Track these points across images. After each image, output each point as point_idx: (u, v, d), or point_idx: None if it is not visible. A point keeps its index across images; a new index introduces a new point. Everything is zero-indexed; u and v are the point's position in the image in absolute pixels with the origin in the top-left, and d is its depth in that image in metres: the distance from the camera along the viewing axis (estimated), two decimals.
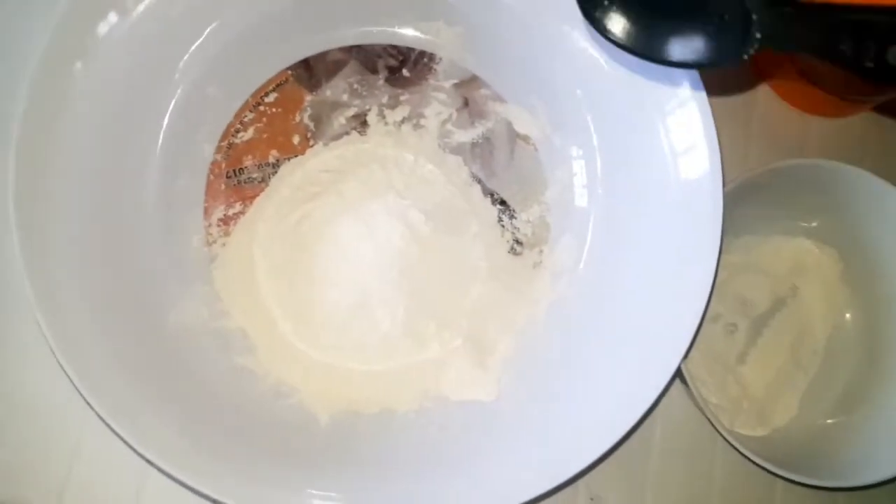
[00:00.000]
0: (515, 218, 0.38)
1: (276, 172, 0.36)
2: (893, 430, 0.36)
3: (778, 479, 0.36)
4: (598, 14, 0.30)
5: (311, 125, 0.37)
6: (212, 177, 0.36)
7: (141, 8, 0.33)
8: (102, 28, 0.32)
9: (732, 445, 0.34)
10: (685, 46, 0.29)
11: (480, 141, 0.38)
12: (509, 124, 0.38)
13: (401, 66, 0.38)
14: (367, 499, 0.31)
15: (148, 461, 0.29)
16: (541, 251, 0.37)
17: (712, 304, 0.34)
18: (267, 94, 0.37)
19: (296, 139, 0.37)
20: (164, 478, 0.30)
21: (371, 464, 0.33)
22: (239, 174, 0.36)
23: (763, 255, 0.40)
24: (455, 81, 0.38)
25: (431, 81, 0.38)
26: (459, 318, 0.36)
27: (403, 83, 0.38)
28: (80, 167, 0.32)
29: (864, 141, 0.42)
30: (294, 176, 0.36)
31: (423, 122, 0.38)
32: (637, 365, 0.33)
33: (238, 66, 0.36)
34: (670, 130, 0.34)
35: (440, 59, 0.38)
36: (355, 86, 0.38)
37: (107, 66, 0.32)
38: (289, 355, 0.34)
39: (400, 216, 0.36)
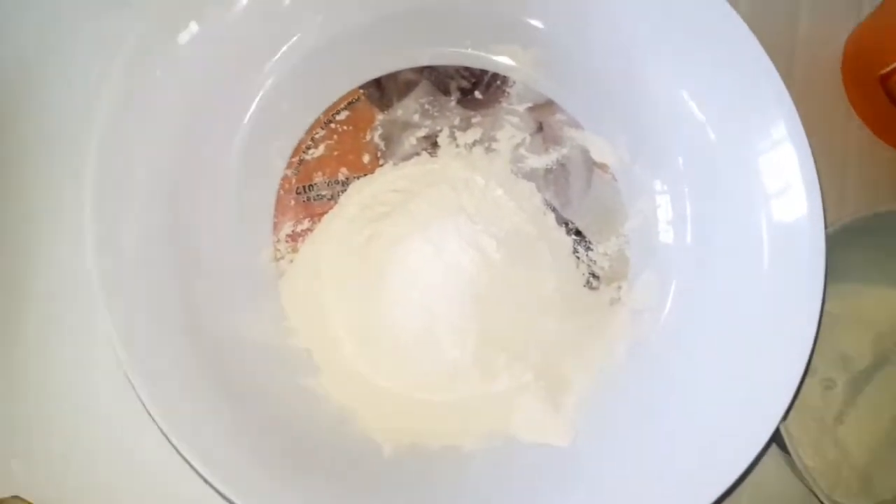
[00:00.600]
0: (592, 250, 0.36)
1: (345, 190, 0.35)
2: None
3: None
4: None
5: (382, 144, 0.36)
6: (282, 192, 0.35)
7: (221, 19, 0.33)
8: (184, 37, 0.32)
9: None
10: None
11: (555, 167, 0.37)
12: (586, 151, 0.37)
13: (473, 88, 0.37)
14: None
15: (202, 476, 0.28)
16: (619, 287, 0.35)
17: None
18: (338, 112, 0.36)
19: (366, 158, 0.36)
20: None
21: (432, 502, 0.31)
22: (308, 190, 0.35)
23: (865, 306, 0.37)
24: (529, 105, 0.37)
25: (504, 104, 0.37)
26: (531, 351, 0.34)
27: (475, 105, 0.37)
28: (156, 179, 0.31)
29: None
30: (363, 194, 0.35)
31: (494, 145, 0.37)
32: (731, 422, 0.30)
33: (311, 83, 0.35)
34: (764, 171, 0.33)
35: (514, 82, 0.37)
36: (427, 106, 0.37)
37: (185, 75, 0.32)
38: (352, 379, 0.33)
39: (471, 240, 0.34)
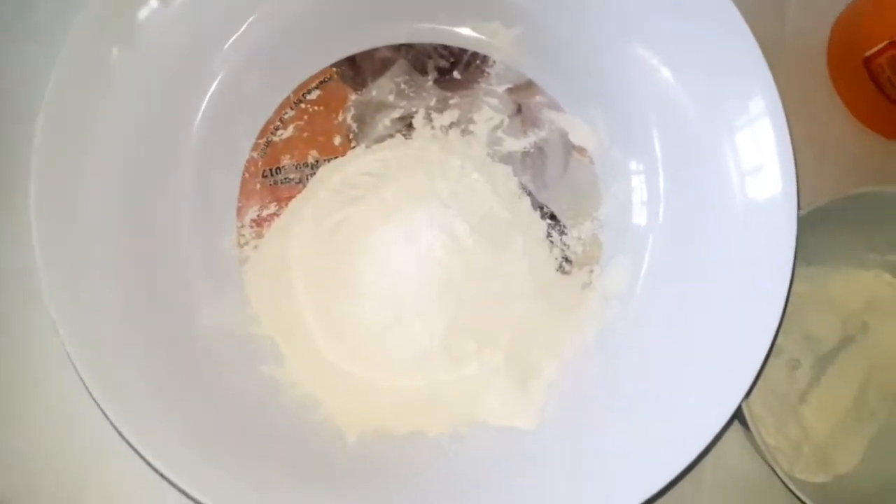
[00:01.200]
0: (566, 234, 0.35)
1: (314, 174, 0.35)
2: None
3: None
4: None
5: (354, 126, 0.35)
6: (247, 175, 0.34)
7: None
8: (142, 13, 0.31)
9: (793, 493, 0.31)
10: None
11: (532, 150, 0.36)
12: (564, 134, 0.36)
13: (452, 68, 0.36)
14: None
15: (160, 474, 0.27)
16: (591, 271, 0.35)
17: None
18: (309, 92, 0.35)
19: (337, 140, 0.35)
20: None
21: (398, 489, 0.31)
22: (276, 173, 0.34)
23: (833, 288, 0.37)
24: (509, 86, 0.36)
25: (483, 85, 0.36)
26: (501, 336, 0.34)
27: (453, 86, 0.36)
28: (111, 158, 0.31)
29: None
30: (333, 178, 0.35)
31: (472, 127, 0.36)
32: (694, 401, 0.30)
33: (280, 60, 0.34)
34: (740, 146, 0.32)
35: (494, 61, 0.36)
36: (402, 86, 0.36)
37: (144, 53, 0.31)
38: (318, 366, 0.33)
39: (443, 226, 0.34)
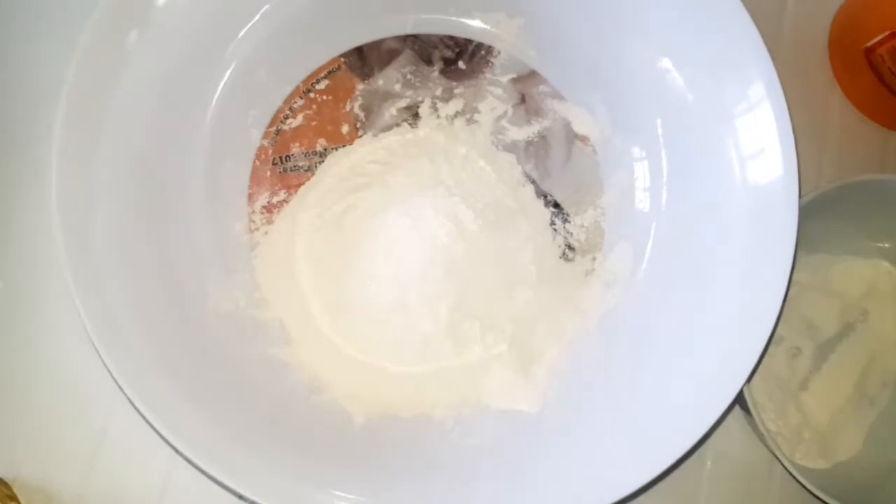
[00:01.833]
0: (569, 222, 0.36)
1: (322, 161, 0.35)
2: None
3: None
4: None
5: (362, 115, 0.36)
6: (258, 163, 0.35)
7: None
8: (160, 0, 0.31)
9: (795, 478, 0.32)
10: None
11: (536, 139, 0.36)
12: (567, 123, 0.36)
13: (457, 58, 0.37)
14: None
15: (173, 447, 0.28)
16: (594, 258, 0.35)
17: None
18: (318, 81, 0.36)
19: (345, 128, 0.36)
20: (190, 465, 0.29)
21: (403, 469, 0.32)
22: (285, 161, 0.35)
23: (833, 276, 0.37)
24: (513, 76, 0.37)
25: (488, 75, 0.37)
26: (505, 322, 0.34)
27: (458, 76, 0.36)
28: (127, 143, 0.31)
29: None
30: (340, 166, 0.35)
31: (476, 116, 0.36)
32: (696, 387, 0.31)
33: (290, 50, 0.35)
34: (741, 133, 0.32)
35: (498, 52, 0.37)
36: (409, 76, 0.36)
37: (161, 38, 0.32)
38: (325, 350, 0.33)
39: (448, 212, 0.34)
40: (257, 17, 0.34)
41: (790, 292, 0.36)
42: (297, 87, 0.35)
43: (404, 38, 0.36)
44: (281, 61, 0.35)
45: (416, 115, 0.36)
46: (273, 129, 0.35)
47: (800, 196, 0.31)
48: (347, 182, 0.35)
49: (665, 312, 0.33)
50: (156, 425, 0.28)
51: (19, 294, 0.35)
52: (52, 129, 0.29)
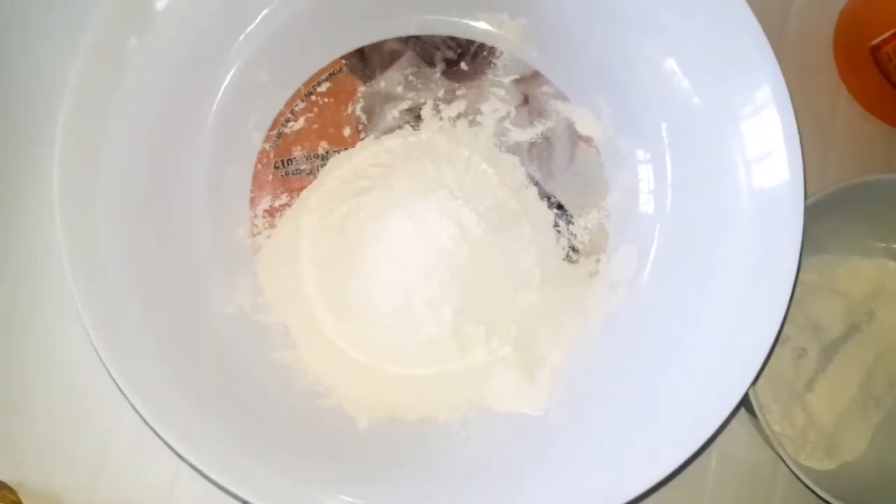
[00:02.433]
0: (573, 224, 0.36)
1: (324, 164, 0.35)
2: None
3: None
4: None
5: (363, 117, 0.36)
6: (259, 166, 0.35)
7: None
8: (160, 4, 0.31)
9: (800, 479, 0.31)
10: None
11: (539, 141, 0.36)
12: (571, 125, 0.36)
13: (459, 59, 0.36)
14: None
15: (176, 453, 0.28)
16: (598, 260, 0.35)
17: None
18: (319, 84, 0.36)
19: (346, 131, 0.35)
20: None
21: (408, 473, 0.32)
22: (287, 165, 0.35)
23: (839, 276, 0.37)
24: (515, 77, 0.36)
25: (490, 76, 0.36)
26: (509, 325, 0.34)
27: (461, 77, 0.36)
28: (129, 148, 0.31)
29: None
30: (343, 169, 0.35)
31: (479, 118, 0.36)
32: (701, 388, 0.31)
33: (291, 52, 0.35)
34: (747, 135, 0.32)
35: (501, 52, 0.36)
36: (410, 78, 0.36)
37: (161, 42, 0.31)
38: (329, 354, 0.33)
39: (451, 215, 0.34)
40: (258, 19, 0.34)
41: (795, 293, 0.36)
42: (299, 90, 0.35)
43: (406, 40, 0.36)
44: (282, 64, 0.35)
45: (418, 117, 0.36)
46: (274, 132, 0.35)
47: (805, 197, 0.31)
48: (350, 185, 0.35)
49: (670, 314, 0.33)
50: (158, 430, 0.28)
51: (23, 298, 0.35)
52: (54, 132, 0.29)
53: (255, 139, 0.35)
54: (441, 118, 0.36)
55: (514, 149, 0.36)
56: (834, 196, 0.33)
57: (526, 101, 0.36)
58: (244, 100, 0.34)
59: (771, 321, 0.30)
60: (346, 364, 0.33)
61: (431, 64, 0.36)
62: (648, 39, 0.34)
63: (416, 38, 0.36)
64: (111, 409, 0.34)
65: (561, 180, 0.36)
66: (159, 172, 0.32)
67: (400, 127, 0.36)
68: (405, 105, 0.36)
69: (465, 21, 0.36)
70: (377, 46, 0.36)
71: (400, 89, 0.36)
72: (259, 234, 0.34)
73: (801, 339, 0.37)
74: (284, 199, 0.35)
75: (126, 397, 0.28)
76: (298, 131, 0.35)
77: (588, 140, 0.36)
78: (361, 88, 0.36)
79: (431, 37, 0.36)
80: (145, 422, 0.28)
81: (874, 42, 0.36)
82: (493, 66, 0.36)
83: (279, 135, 0.35)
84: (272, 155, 0.35)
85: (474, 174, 0.36)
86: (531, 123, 0.36)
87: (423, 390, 0.33)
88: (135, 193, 0.31)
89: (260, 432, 0.30)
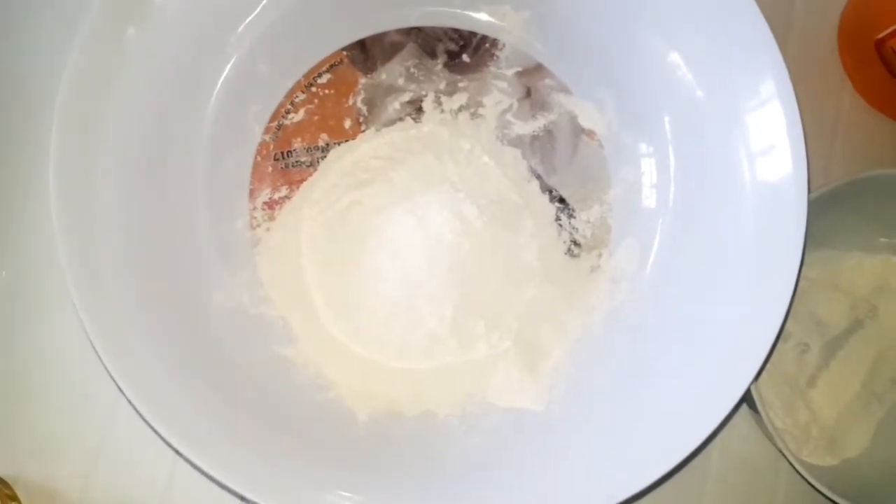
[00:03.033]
0: (574, 218, 0.35)
1: (325, 157, 0.35)
2: None
3: None
4: None
5: (364, 109, 0.35)
6: (259, 158, 0.34)
7: None
8: None
9: (801, 475, 0.31)
10: None
11: (541, 134, 0.36)
12: (574, 118, 0.36)
13: (461, 51, 0.36)
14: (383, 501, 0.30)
15: (173, 448, 0.28)
16: (599, 254, 0.35)
17: None
18: (320, 75, 0.35)
19: (347, 123, 0.35)
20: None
21: (408, 467, 0.32)
22: (287, 157, 0.35)
23: (842, 272, 0.37)
24: (518, 69, 0.36)
25: (492, 69, 0.36)
26: (510, 319, 0.34)
27: (463, 69, 0.36)
28: (127, 140, 0.31)
29: None
30: (343, 161, 0.35)
31: (481, 111, 0.36)
32: (703, 384, 0.31)
33: (291, 43, 0.35)
34: (751, 129, 0.32)
35: (503, 45, 0.36)
36: (412, 70, 0.36)
37: (159, 34, 0.31)
38: (329, 348, 0.33)
39: (453, 209, 0.34)
40: (257, 9, 0.34)
41: (798, 288, 0.36)
42: (299, 82, 0.35)
43: (408, 31, 0.36)
44: (282, 55, 0.34)
45: (419, 110, 0.36)
46: (274, 123, 0.35)
47: (809, 192, 0.31)
48: (351, 178, 0.34)
49: (672, 309, 0.33)
50: (154, 425, 0.28)
51: (21, 293, 0.35)
52: (51, 126, 0.29)
53: (255, 131, 0.34)
54: (442, 111, 0.36)
55: (516, 142, 0.36)
56: (837, 191, 0.33)
57: (528, 93, 0.36)
58: (244, 91, 0.34)
59: (773, 316, 0.30)
60: (346, 358, 0.33)
61: (433, 56, 0.36)
62: (652, 32, 0.34)
63: (418, 29, 0.36)
64: (108, 403, 0.34)
65: (563, 174, 0.36)
66: (157, 164, 0.32)
67: (401, 119, 0.36)
68: (406, 97, 0.36)
69: (467, 13, 0.36)
70: (378, 38, 0.36)
71: (401, 81, 0.36)
72: (258, 226, 0.34)
73: (803, 335, 0.37)
74: (284, 191, 0.34)
75: (122, 392, 0.28)
76: (299, 123, 0.35)
77: (591, 133, 0.36)
78: (362, 80, 0.35)
79: (433, 28, 0.36)
80: (141, 416, 0.28)
81: (879, 36, 0.36)
82: (495, 58, 0.36)
83: (279, 126, 0.35)
84: (272, 147, 0.35)
85: (476, 167, 0.35)
86: (533, 116, 0.36)
87: (424, 385, 0.33)
88: (132, 185, 0.31)
89: (259, 426, 0.30)
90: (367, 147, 0.35)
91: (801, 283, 0.36)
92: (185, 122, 0.33)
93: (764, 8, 0.31)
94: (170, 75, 0.32)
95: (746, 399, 0.32)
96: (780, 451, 0.32)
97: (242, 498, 0.29)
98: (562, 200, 0.35)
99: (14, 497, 0.33)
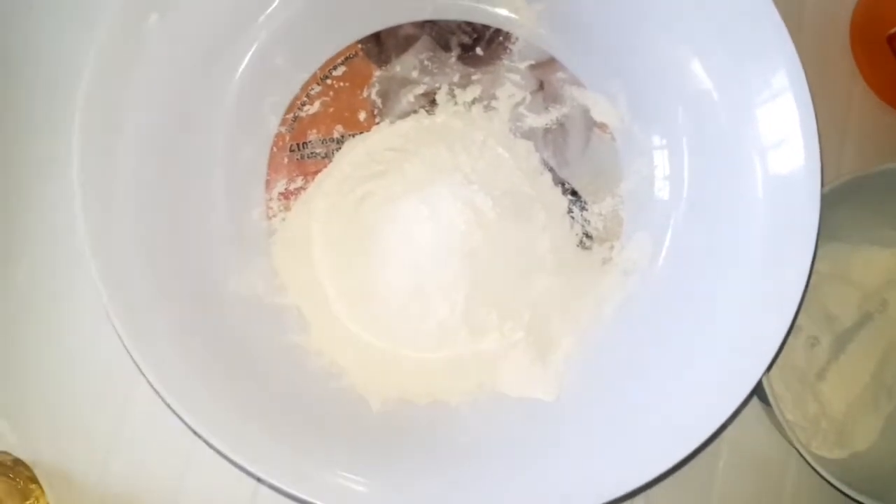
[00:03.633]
0: (586, 210, 0.36)
1: (339, 148, 0.35)
2: None
3: None
4: None
5: (379, 101, 0.36)
6: (275, 149, 0.35)
7: None
8: None
9: (812, 467, 0.31)
10: None
11: (554, 127, 0.36)
12: (586, 111, 0.36)
13: (474, 45, 0.36)
14: (398, 489, 0.30)
15: (192, 430, 0.29)
16: (611, 247, 0.35)
17: None
18: (335, 68, 0.36)
19: (362, 115, 0.35)
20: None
21: (419, 454, 0.32)
22: (302, 148, 0.35)
23: (853, 266, 0.37)
24: (531, 63, 0.36)
25: (506, 62, 0.36)
26: (522, 310, 0.34)
27: (476, 62, 0.36)
28: (146, 129, 0.31)
29: None
30: (357, 153, 0.35)
31: (494, 103, 0.36)
32: (714, 376, 0.31)
33: (307, 36, 0.35)
34: (763, 121, 0.32)
35: (516, 38, 0.36)
36: (426, 62, 0.36)
37: (182, 22, 0.31)
38: (342, 337, 0.33)
39: (466, 200, 0.34)
40: (276, 2, 0.34)
41: (810, 282, 0.36)
42: (315, 74, 0.35)
43: (422, 24, 0.36)
44: (298, 47, 0.35)
45: (433, 102, 0.36)
46: (290, 115, 0.35)
47: (821, 185, 0.31)
48: (365, 169, 0.35)
49: (683, 302, 0.33)
50: (176, 409, 0.28)
51: (41, 278, 0.35)
52: (74, 114, 0.29)
53: (272, 122, 0.35)
54: (456, 103, 0.36)
55: (529, 134, 0.36)
56: (849, 185, 0.33)
57: (541, 86, 0.36)
58: (261, 83, 0.34)
59: (785, 310, 0.30)
60: (358, 346, 0.33)
61: (447, 49, 0.36)
62: (664, 25, 0.34)
63: (432, 22, 0.36)
64: (126, 387, 0.34)
65: (575, 167, 0.36)
66: (176, 154, 0.32)
67: (415, 111, 0.36)
68: (420, 90, 0.36)
69: (481, 6, 0.36)
70: (393, 31, 0.36)
71: (415, 74, 0.36)
72: (274, 216, 0.34)
73: (813, 329, 0.37)
74: (300, 182, 0.35)
75: (145, 376, 0.28)
76: (314, 115, 0.35)
77: (603, 126, 0.36)
78: (377, 73, 0.36)
79: (447, 21, 0.36)
80: (162, 399, 0.28)
81: (891, 32, 0.36)
82: (508, 51, 0.36)
83: (295, 118, 0.35)
84: (288, 138, 0.35)
85: (489, 159, 0.36)
86: (546, 109, 0.36)
87: (436, 374, 0.33)
88: (151, 174, 0.31)
89: (274, 411, 0.31)
90: (381, 139, 0.35)
91: (811, 277, 0.36)
92: (203, 112, 0.33)
93: (777, 3, 0.31)
94: (190, 64, 0.32)
95: (757, 391, 0.32)
96: (791, 443, 0.32)
97: (259, 480, 0.29)
98: (574, 193, 0.36)
99: (34, 479, 0.33)
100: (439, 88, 0.36)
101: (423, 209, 0.34)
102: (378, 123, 0.35)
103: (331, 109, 0.35)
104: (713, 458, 0.36)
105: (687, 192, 0.35)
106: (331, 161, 0.35)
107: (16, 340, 0.35)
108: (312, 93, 0.35)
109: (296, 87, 0.35)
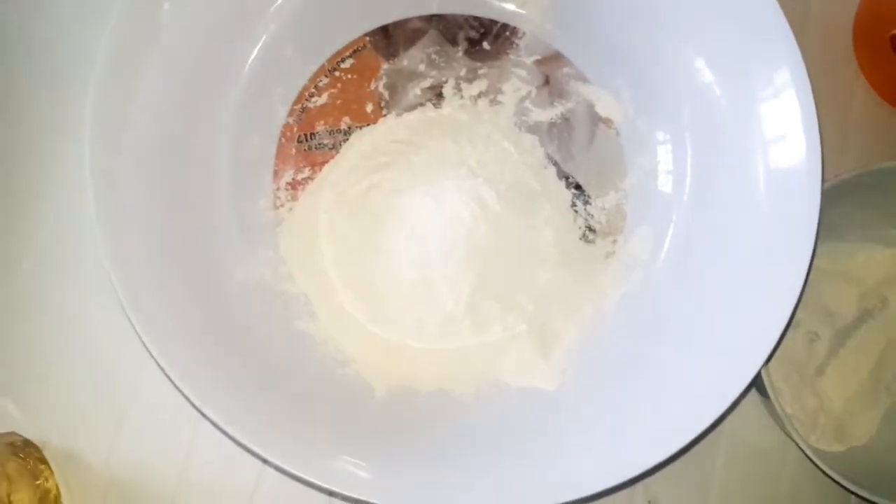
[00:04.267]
0: (590, 204, 0.36)
1: (346, 140, 0.36)
2: None
3: (851, 497, 0.34)
4: None
5: (386, 94, 0.36)
6: (283, 140, 0.35)
7: None
8: None
9: (811, 460, 0.32)
10: None
11: (559, 121, 0.36)
12: (591, 106, 0.36)
13: (481, 39, 0.37)
14: (400, 474, 0.30)
15: (199, 410, 0.29)
16: (614, 241, 0.36)
17: None
18: (343, 60, 0.36)
19: (369, 107, 0.36)
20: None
21: (422, 442, 0.32)
22: (310, 139, 0.35)
23: (853, 263, 0.37)
24: (537, 58, 0.37)
25: (512, 56, 0.37)
26: (525, 302, 0.34)
27: (483, 56, 0.37)
28: (157, 118, 0.32)
29: None
30: (364, 144, 0.36)
31: (500, 97, 0.36)
32: (714, 368, 0.31)
33: (316, 28, 0.35)
34: (766, 117, 0.32)
35: (523, 33, 0.37)
36: (433, 56, 0.37)
37: (192, 12, 0.32)
38: (347, 326, 0.34)
39: (471, 192, 0.34)
40: None
41: (809, 278, 0.36)
42: (323, 66, 0.36)
43: (429, 18, 0.36)
44: (307, 39, 0.35)
45: (439, 96, 0.36)
46: (298, 106, 0.36)
47: (822, 182, 0.31)
48: (371, 161, 0.35)
49: (685, 295, 0.33)
50: (184, 391, 0.29)
51: (49, 264, 0.36)
52: (85, 103, 0.30)
53: (280, 113, 0.35)
54: (462, 97, 0.36)
55: (534, 129, 0.36)
56: (849, 182, 0.33)
57: (547, 81, 0.37)
58: (270, 74, 0.35)
59: (785, 304, 0.30)
60: (364, 336, 0.34)
61: (454, 43, 0.37)
62: (670, 22, 0.34)
63: (440, 16, 0.37)
64: (133, 372, 0.35)
65: (579, 161, 0.36)
66: (186, 143, 0.33)
67: (421, 104, 0.36)
68: (427, 83, 0.36)
69: (487, 0, 0.36)
70: (400, 24, 0.36)
71: (422, 67, 0.36)
72: (282, 206, 0.35)
73: (813, 324, 0.37)
74: (307, 172, 0.35)
75: (155, 360, 0.29)
76: (322, 106, 0.36)
77: (607, 121, 0.36)
78: (384, 66, 0.36)
79: (454, 16, 0.37)
80: (172, 382, 0.29)
81: (894, 31, 0.36)
82: (515, 46, 0.37)
83: (303, 109, 0.36)
84: (295, 129, 0.35)
85: (495, 152, 0.36)
86: (551, 104, 0.37)
87: (440, 364, 0.34)
88: (160, 162, 0.32)
89: (280, 395, 0.31)
90: (388, 130, 0.36)
91: (811, 273, 0.36)
92: (213, 102, 0.34)
93: (781, 2, 0.32)
94: (200, 52, 0.33)
95: (756, 384, 0.32)
96: (789, 435, 0.32)
97: (264, 461, 0.29)
98: (578, 187, 0.36)
99: (44, 460, 0.34)
100: (446, 82, 0.36)
101: (429, 201, 0.34)
102: (385, 116, 0.36)
103: (338, 101, 0.36)
104: (712, 450, 0.36)
105: (689, 187, 0.35)
106: (338, 152, 0.35)
107: (24, 323, 0.35)
108: (320, 84, 0.36)
109: (304, 79, 0.35)
